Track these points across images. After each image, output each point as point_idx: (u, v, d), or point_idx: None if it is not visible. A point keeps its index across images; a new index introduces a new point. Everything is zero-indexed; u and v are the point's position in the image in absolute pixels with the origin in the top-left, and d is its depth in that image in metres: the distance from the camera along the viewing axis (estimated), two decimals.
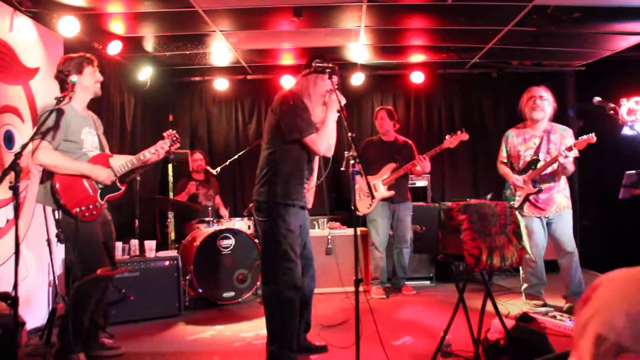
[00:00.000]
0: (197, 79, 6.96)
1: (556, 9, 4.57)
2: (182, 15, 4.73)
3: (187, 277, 4.90)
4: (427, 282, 5.78)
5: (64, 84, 3.35)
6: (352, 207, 2.86)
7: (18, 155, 2.68)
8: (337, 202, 6.88)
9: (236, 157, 6.16)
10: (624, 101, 5.66)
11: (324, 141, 3.20)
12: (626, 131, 5.81)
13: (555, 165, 4.23)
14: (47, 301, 4.32)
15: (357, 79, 6.69)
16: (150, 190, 6.42)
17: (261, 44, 5.82)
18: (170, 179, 6.79)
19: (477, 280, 5.16)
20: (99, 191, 3.41)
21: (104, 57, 5.11)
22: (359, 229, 5.47)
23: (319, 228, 5.62)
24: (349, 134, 2.80)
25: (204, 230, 5.24)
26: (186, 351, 3.65)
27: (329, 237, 5.47)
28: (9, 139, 3.98)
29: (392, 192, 5.23)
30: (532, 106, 4.36)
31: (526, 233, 4.33)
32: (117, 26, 5.02)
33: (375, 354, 3.28)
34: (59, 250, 4.37)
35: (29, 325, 3.85)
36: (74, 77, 3.21)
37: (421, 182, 6.29)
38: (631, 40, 5.46)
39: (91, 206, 3.34)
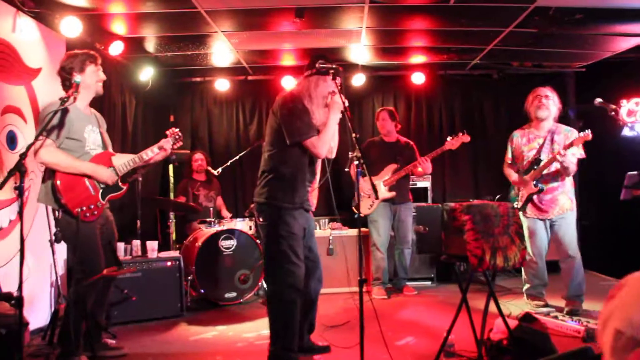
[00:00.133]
0: (198, 79, 6.97)
1: (558, 10, 4.59)
2: (184, 16, 4.74)
3: (189, 278, 4.90)
4: (429, 283, 5.79)
5: (65, 82, 3.34)
6: (356, 208, 2.87)
7: (23, 156, 2.68)
8: (338, 202, 6.87)
9: (237, 157, 6.17)
10: (624, 102, 5.68)
11: (326, 144, 3.19)
12: (626, 132, 5.83)
13: (558, 166, 4.23)
14: (50, 301, 4.32)
15: (358, 80, 6.70)
16: (151, 191, 6.42)
17: (262, 44, 5.83)
18: (171, 179, 6.82)
19: (478, 281, 5.19)
20: (101, 191, 3.39)
21: (105, 57, 5.09)
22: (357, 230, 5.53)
23: (320, 229, 5.63)
24: (353, 135, 2.80)
25: (206, 231, 5.24)
26: (189, 352, 3.66)
27: (330, 237, 5.47)
28: (11, 140, 3.98)
29: (393, 193, 5.24)
30: (537, 105, 4.37)
31: (528, 234, 4.34)
32: (119, 27, 5.03)
33: (379, 354, 3.29)
34: (61, 251, 4.37)
35: (31, 326, 3.85)
36: (77, 78, 3.20)
37: (422, 183, 6.30)
38: (631, 42, 5.48)
39: (92, 206, 3.31)
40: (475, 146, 6.52)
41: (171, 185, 6.88)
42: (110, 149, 3.62)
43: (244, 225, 5.56)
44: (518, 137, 4.55)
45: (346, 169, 5.50)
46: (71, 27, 4.40)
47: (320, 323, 3.83)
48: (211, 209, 5.82)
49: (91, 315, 3.33)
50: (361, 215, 5.50)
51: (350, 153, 2.91)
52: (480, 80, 7.03)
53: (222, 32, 5.18)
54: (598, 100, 4.03)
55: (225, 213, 6.18)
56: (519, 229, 2.96)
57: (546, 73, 6.72)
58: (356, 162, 2.80)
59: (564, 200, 4.31)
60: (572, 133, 4.28)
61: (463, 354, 3.22)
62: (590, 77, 6.57)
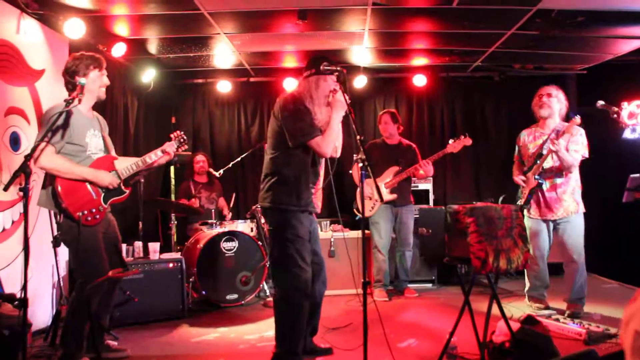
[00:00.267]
0: (200, 81, 6.98)
1: (560, 13, 4.60)
2: (187, 17, 4.75)
3: (191, 279, 4.90)
4: (429, 285, 5.79)
5: (68, 84, 3.34)
6: (361, 210, 2.87)
7: (28, 157, 2.68)
8: (340, 204, 6.87)
9: (239, 159, 6.18)
10: (625, 105, 5.68)
11: (330, 143, 3.18)
12: (627, 135, 5.84)
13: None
14: (51, 303, 4.32)
15: (360, 82, 6.72)
16: (153, 192, 6.43)
17: (265, 46, 5.84)
18: (172, 181, 6.83)
19: (480, 283, 5.20)
20: (103, 194, 3.37)
21: (108, 59, 5.09)
22: (361, 232, 5.52)
23: (321, 230, 5.63)
24: (358, 137, 2.80)
25: (207, 233, 5.25)
26: (191, 353, 3.66)
27: (332, 239, 5.47)
28: (14, 141, 3.99)
29: (394, 196, 5.24)
30: (539, 104, 4.40)
31: (530, 235, 4.34)
32: (122, 28, 5.04)
33: (382, 357, 3.29)
34: (64, 252, 4.37)
35: (33, 327, 3.85)
36: (83, 80, 3.21)
37: (424, 185, 6.31)
38: (633, 44, 5.49)
39: (94, 210, 3.29)
40: (476, 148, 6.53)
41: (172, 187, 6.89)
42: (113, 153, 3.61)
43: (245, 227, 5.57)
44: (525, 135, 4.56)
45: (350, 171, 5.50)
46: (74, 28, 4.42)
47: (322, 325, 3.83)
48: (213, 210, 5.82)
49: (95, 317, 3.32)
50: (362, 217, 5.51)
51: (354, 155, 2.90)
52: (481, 82, 7.05)
53: (225, 33, 5.19)
54: (600, 102, 4.04)
55: (226, 213, 6.17)
56: (522, 231, 2.96)
57: (548, 75, 6.72)
58: (360, 165, 2.80)
59: (569, 201, 4.28)
60: (577, 131, 4.25)
61: (465, 356, 3.23)
62: (591, 80, 6.58)
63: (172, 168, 6.83)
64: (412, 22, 5.09)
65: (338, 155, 3.40)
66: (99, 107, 3.77)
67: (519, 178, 4.49)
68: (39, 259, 4.12)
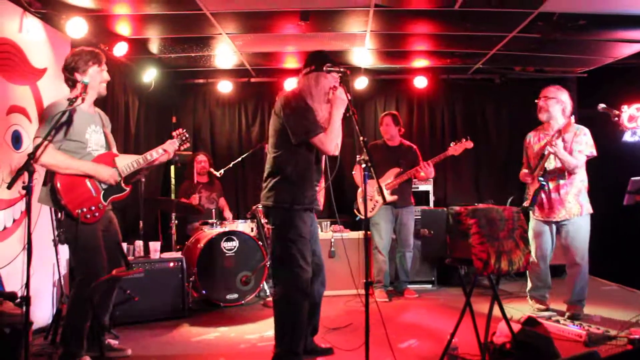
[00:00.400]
0: (201, 81, 6.99)
1: (562, 16, 4.62)
2: (189, 17, 4.76)
3: (191, 279, 4.90)
4: (429, 286, 5.80)
5: (67, 81, 3.33)
6: (363, 211, 2.87)
7: (32, 156, 2.68)
8: (340, 205, 6.88)
9: (239, 159, 6.18)
10: (625, 108, 5.69)
11: (333, 140, 3.16)
12: (627, 138, 5.85)
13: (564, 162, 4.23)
14: (52, 301, 4.32)
15: (361, 83, 6.73)
16: (153, 192, 6.43)
17: (266, 47, 5.85)
18: (173, 180, 6.83)
19: (480, 285, 5.20)
20: (102, 192, 3.34)
21: (109, 58, 5.10)
22: (362, 233, 5.54)
23: (322, 231, 5.63)
24: (361, 138, 2.80)
25: (208, 232, 5.25)
26: (192, 353, 3.67)
27: (332, 240, 5.48)
28: (16, 139, 3.99)
29: (395, 197, 5.24)
30: (538, 108, 4.41)
31: (532, 236, 4.35)
32: (123, 28, 5.05)
33: (382, 357, 3.29)
34: (64, 250, 4.36)
35: (34, 326, 3.84)
36: (86, 78, 3.21)
37: (424, 187, 6.33)
38: (634, 48, 5.51)
39: (93, 207, 3.27)
40: (477, 150, 6.52)
41: (172, 186, 6.89)
42: (114, 149, 3.59)
43: (245, 226, 5.57)
44: (531, 137, 4.57)
45: (353, 172, 5.49)
46: (77, 27, 4.42)
47: (323, 325, 3.84)
48: (213, 210, 5.82)
49: (98, 315, 3.32)
50: (363, 217, 5.51)
51: (358, 156, 2.90)
52: (482, 84, 7.07)
53: (227, 34, 5.20)
54: (601, 105, 4.04)
55: (227, 214, 6.18)
56: (524, 233, 2.97)
57: (548, 78, 6.74)
58: (364, 165, 2.80)
59: (572, 203, 4.26)
60: (582, 130, 4.24)
61: (466, 357, 3.23)
62: (591, 83, 6.60)
63: (172, 167, 6.83)
64: (414, 24, 5.11)
65: (338, 152, 3.38)
66: (100, 105, 3.76)
67: (523, 172, 4.50)
68: (40, 257, 4.10)
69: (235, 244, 5.13)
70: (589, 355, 1.93)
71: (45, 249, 3.98)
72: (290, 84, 6.49)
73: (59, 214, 3.21)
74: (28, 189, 2.60)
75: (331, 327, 4.12)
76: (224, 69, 6.61)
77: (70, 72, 3.30)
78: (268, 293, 5.32)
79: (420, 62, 6.49)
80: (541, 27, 4.91)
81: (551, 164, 4.31)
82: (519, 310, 4.41)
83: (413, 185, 5.73)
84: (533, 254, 4.38)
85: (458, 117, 7.17)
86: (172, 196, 6.73)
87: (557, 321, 3.90)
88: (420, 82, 6.79)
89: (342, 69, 3.11)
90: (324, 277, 3.47)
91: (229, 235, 5.13)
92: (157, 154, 3.55)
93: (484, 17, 4.77)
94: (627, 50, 5.62)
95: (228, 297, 5.02)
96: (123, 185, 3.47)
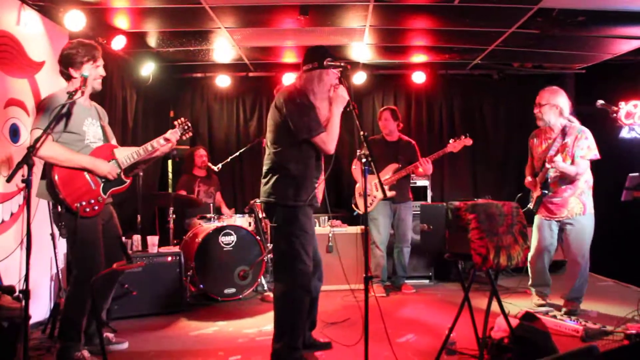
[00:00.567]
0: (199, 75, 6.97)
1: (561, 12, 4.62)
2: (188, 11, 4.74)
3: (189, 273, 4.90)
4: (426, 281, 5.82)
5: (62, 74, 3.30)
6: (362, 206, 2.87)
7: (31, 149, 2.66)
8: (338, 200, 6.90)
9: (237, 154, 6.17)
10: (622, 105, 5.70)
11: (334, 140, 3.16)
12: (624, 134, 5.87)
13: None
14: (50, 295, 4.32)
15: (359, 78, 6.72)
16: (151, 187, 6.41)
17: (265, 41, 5.83)
18: (170, 174, 6.82)
19: (477, 280, 5.21)
20: (102, 185, 3.30)
21: (107, 51, 5.09)
22: (359, 228, 5.55)
23: (320, 226, 5.63)
24: (361, 133, 2.80)
25: (206, 227, 5.24)
26: (190, 347, 3.67)
27: (330, 235, 5.48)
28: (14, 132, 3.97)
29: (393, 193, 5.24)
30: (535, 115, 4.41)
31: (535, 230, 4.39)
32: (122, 21, 5.02)
33: (380, 351, 3.31)
34: (62, 245, 4.36)
35: (31, 320, 3.83)
36: (86, 72, 3.19)
37: (422, 182, 6.33)
38: (632, 44, 5.52)
39: (92, 201, 3.24)
40: (474, 146, 6.51)
41: (170, 181, 6.88)
42: (113, 142, 3.56)
43: (243, 221, 5.57)
44: (534, 137, 4.56)
45: (353, 167, 5.48)
46: (75, 20, 4.40)
47: (321, 320, 3.85)
48: (211, 204, 5.82)
49: (97, 309, 3.31)
50: (360, 212, 5.52)
51: (358, 151, 2.90)
52: (480, 80, 7.07)
53: (225, 28, 5.18)
54: (600, 102, 4.04)
55: (225, 210, 6.18)
56: (523, 228, 2.98)
57: (546, 74, 6.76)
58: (364, 160, 2.79)
59: (574, 203, 4.25)
60: (582, 134, 4.23)
61: (464, 351, 3.25)
62: (589, 79, 6.61)
63: (169, 162, 6.81)
64: (413, 19, 5.09)
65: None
66: (98, 99, 3.75)
67: (527, 180, 4.51)
68: (37, 251, 4.06)
69: (233, 238, 5.12)
70: (588, 350, 1.95)
71: (43, 243, 3.98)
72: (288, 79, 6.48)
73: (59, 208, 3.17)
74: (27, 182, 2.59)
75: (329, 321, 4.13)
76: (222, 63, 6.58)
77: (64, 66, 3.27)
78: (265, 288, 5.32)
79: (419, 58, 6.49)
80: (540, 22, 4.91)
81: (551, 170, 4.30)
82: (517, 305, 4.43)
83: (411, 181, 5.73)
84: (533, 248, 4.40)
85: (456, 112, 7.18)
86: (170, 191, 6.72)
87: (554, 316, 3.93)
88: (419, 78, 6.80)
89: (342, 64, 3.09)
90: (322, 271, 3.48)
91: (226, 229, 5.13)
92: (158, 145, 3.50)
93: (483, 13, 4.76)
94: (626, 46, 5.62)
95: (226, 291, 5.02)
96: (123, 177, 3.43)
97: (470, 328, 3.06)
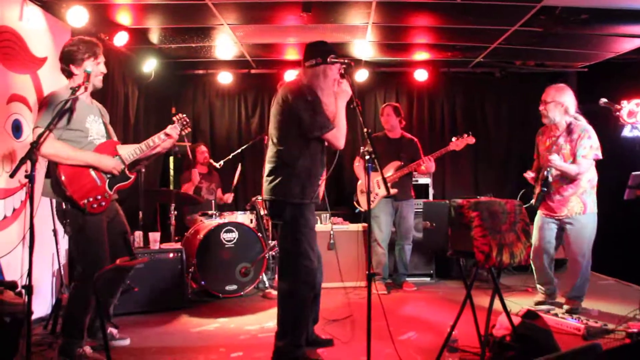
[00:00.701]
0: (201, 72, 6.97)
1: (564, 10, 4.61)
2: (191, 7, 4.74)
3: (190, 270, 4.91)
4: (427, 279, 5.82)
5: (63, 72, 3.29)
6: (366, 203, 2.86)
7: (35, 144, 2.66)
8: (339, 197, 6.90)
9: (239, 151, 6.17)
10: (624, 103, 5.70)
11: (343, 135, 3.15)
12: (626, 133, 5.86)
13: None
14: (51, 291, 4.32)
15: (361, 76, 6.72)
16: (152, 183, 6.42)
17: (267, 38, 5.83)
18: (171, 171, 6.81)
19: (478, 278, 5.22)
20: (107, 181, 3.30)
21: (109, 48, 5.09)
22: (361, 225, 5.55)
23: (321, 223, 5.63)
24: (365, 130, 2.79)
25: (207, 223, 5.25)
26: (192, 343, 3.67)
27: (331, 232, 5.48)
28: (16, 128, 3.97)
29: (395, 190, 5.24)
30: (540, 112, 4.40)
31: (536, 228, 4.40)
32: (124, 17, 5.01)
33: (382, 349, 3.31)
34: (64, 241, 4.36)
35: (33, 315, 3.83)
36: (89, 68, 3.18)
37: (423, 180, 6.33)
38: (635, 43, 5.51)
39: (99, 197, 3.22)
40: (476, 144, 6.50)
41: (171, 178, 6.87)
42: (115, 139, 3.57)
43: (245, 218, 5.57)
44: (540, 134, 4.55)
45: (356, 164, 5.47)
46: (77, 16, 4.39)
47: (323, 317, 3.85)
48: (212, 201, 5.82)
49: (103, 305, 3.31)
50: (362, 210, 5.52)
51: (361, 148, 2.89)
52: (482, 78, 7.06)
53: (228, 24, 5.17)
54: (603, 100, 4.04)
55: (227, 196, 6.17)
56: (525, 226, 2.97)
57: (548, 72, 6.75)
58: (367, 157, 2.78)
59: (574, 202, 4.25)
60: (586, 133, 4.21)
61: (466, 349, 3.25)
62: (592, 78, 6.60)
63: (171, 159, 6.81)
64: (416, 17, 5.09)
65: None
66: (100, 95, 3.74)
67: (527, 174, 4.51)
68: (39, 247, 4.04)
69: (234, 235, 5.13)
70: (591, 348, 1.95)
71: (45, 239, 3.97)
72: (290, 76, 6.47)
73: (63, 205, 3.16)
74: (30, 178, 2.58)
75: (331, 319, 4.13)
76: (224, 60, 6.58)
77: (65, 63, 3.26)
78: (267, 285, 5.33)
79: (421, 55, 6.48)
80: (543, 20, 4.90)
81: (553, 169, 4.29)
82: (518, 303, 4.44)
83: (412, 179, 5.73)
84: (534, 245, 4.40)
85: (458, 110, 7.18)
86: (171, 187, 6.72)
87: (556, 315, 3.93)
88: (421, 75, 6.79)
89: (346, 61, 3.09)
90: (322, 267, 3.48)
91: (228, 226, 5.13)
92: (159, 140, 3.48)
93: (486, 10, 4.75)
94: (628, 45, 5.61)
95: (227, 288, 5.03)
96: (127, 173, 3.42)
97: (471, 326, 3.06)
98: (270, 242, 5.31)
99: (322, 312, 3.63)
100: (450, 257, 3.15)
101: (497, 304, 2.93)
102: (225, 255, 5.06)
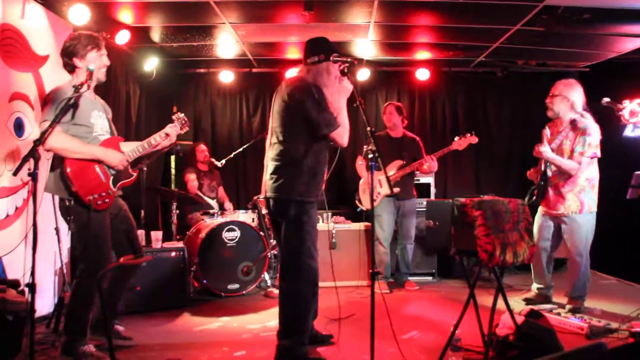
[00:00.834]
0: (203, 70, 6.97)
1: (566, 9, 4.60)
2: (193, 6, 4.74)
3: (192, 269, 4.90)
4: (430, 278, 5.82)
5: (66, 67, 3.28)
6: (365, 202, 2.86)
7: (38, 142, 2.66)
8: (341, 196, 6.90)
9: (241, 149, 6.17)
10: (626, 103, 5.70)
11: (347, 132, 3.16)
12: (628, 132, 5.86)
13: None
14: (53, 289, 4.32)
15: (363, 75, 6.71)
16: (153, 182, 6.41)
17: (268, 37, 5.82)
18: (173, 170, 6.82)
19: (480, 277, 5.20)
20: (112, 178, 3.29)
21: (111, 46, 5.08)
22: (363, 224, 5.54)
23: (323, 222, 5.63)
24: (368, 128, 2.78)
25: (209, 222, 5.24)
26: (195, 342, 3.66)
27: (333, 231, 5.48)
28: (18, 126, 3.96)
29: (397, 189, 5.24)
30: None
31: (535, 226, 4.39)
32: (126, 15, 5.00)
33: (385, 348, 3.31)
34: (66, 239, 4.36)
35: (36, 314, 3.83)
36: (92, 66, 3.17)
37: (425, 179, 6.33)
38: (637, 42, 5.50)
39: (104, 194, 3.22)
40: (477, 143, 6.51)
41: (172, 177, 6.87)
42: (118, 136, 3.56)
43: (247, 217, 5.56)
44: (547, 130, 4.54)
45: (359, 163, 5.45)
46: (79, 14, 4.39)
47: (325, 316, 3.85)
48: (214, 199, 5.82)
49: (109, 303, 3.30)
50: (364, 209, 5.52)
51: (365, 147, 2.89)
52: (484, 77, 7.06)
53: (230, 23, 5.17)
54: (605, 99, 4.03)
55: (228, 205, 6.18)
56: (529, 225, 2.97)
57: (550, 72, 6.75)
58: (370, 155, 2.78)
59: (571, 200, 4.25)
60: (586, 129, 4.19)
61: (469, 348, 3.24)
62: (593, 77, 6.59)
63: (172, 157, 6.81)
64: (418, 16, 5.08)
65: None
66: (102, 94, 3.73)
67: (529, 172, 4.53)
68: (42, 245, 4.04)
69: (236, 234, 5.12)
70: (596, 347, 1.94)
71: (47, 237, 3.97)
72: (292, 74, 6.46)
73: (66, 202, 3.16)
74: (34, 176, 2.58)
75: (333, 317, 4.12)
76: (225, 59, 6.58)
77: (68, 57, 3.24)
78: (269, 284, 5.32)
79: (423, 54, 6.48)
80: (545, 20, 4.90)
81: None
82: (519, 303, 4.44)
83: (414, 178, 5.73)
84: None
85: (459, 110, 7.17)
86: (172, 186, 6.73)
87: (559, 314, 3.93)
88: (422, 75, 6.79)
89: (349, 59, 3.08)
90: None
91: (230, 225, 5.12)
92: (160, 139, 3.50)
93: (488, 10, 4.74)
94: (630, 45, 5.61)
95: (229, 287, 5.02)
96: (130, 170, 3.43)
97: (474, 325, 3.05)
98: (272, 241, 5.30)
99: (324, 311, 3.63)
100: (452, 256, 3.13)
101: (500, 303, 2.93)
102: (227, 254, 5.06)
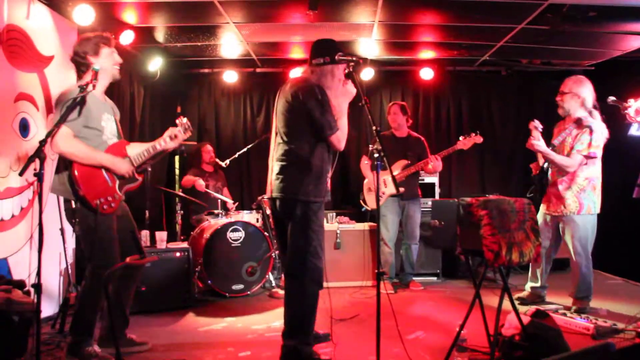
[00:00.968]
0: (207, 70, 6.97)
1: (572, 7, 4.58)
2: (197, 6, 4.74)
3: (197, 269, 4.90)
4: (434, 278, 5.80)
5: (80, 67, 3.26)
6: (370, 202, 2.85)
7: (43, 142, 2.65)
8: (345, 196, 6.89)
9: (245, 149, 6.17)
10: (631, 101, 5.67)
11: (345, 137, 3.15)
12: (633, 131, 5.83)
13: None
14: (58, 290, 4.33)
15: (367, 74, 6.70)
16: (158, 182, 6.42)
17: (272, 36, 5.82)
18: (177, 170, 6.83)
19: (485, 277, 5.20)
20: (118, 182, 3.29)
21: (115, 46, 5.07)
22: (367, 224, 5.53)
23: (327, 222, 5.62)
24: (374, 128, 2.77)
25: (213, 223, 5.24)
26: (200, 342, 3.66)
27: (338, 231, 5.47)
28: (24, 127, 3.97)
29: (401, 189, 5.22)
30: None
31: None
32: (130, 16, 5.01)
33: (390, 348, 3.30)
34: (71, 240, 4.36)
35: (41, 314, 3.84)
36: (96, 65, 3.17)
37: (430, 179, 6.32)
38: None
39: (110, 198, 3.21)
40: (482, 143, 6.53)
41: (177, 177, 6.89)
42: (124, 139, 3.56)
43: (251, 217, 5.56)
44: (557, 126, 4.52)
45: (365, 162, 5.44)
46: (84, 15, 4.40)
47: (329, 316, 3.84)
48: (219, 200, 5.82)
49: (118, 309, 3.30)
50: (368, 209, 5.51)
51: (370, 146, 2.87)
52: (488, 77, 7.05)
53: (234, 23, 5.17)
54: (611, 98, 4.01)
55: (230, 205, 6.18)
56: (534, 225, 2.96)
57: (555, 71, 6.72)
58: (376, 155, 2.76)
59: (569, 200, 4.22)
60: (588, 128, 4.16)
61: (475, 349, 3.23)
62: (598, 76, 6.55)
63: (176, 158, 6.82)
64: (422, 15, 5.07)
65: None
66: (107, 94, 3.73)
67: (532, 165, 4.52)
68: (47, 246, 4.00)
69: (241, 234, 5.12)
70: (605, 347, 1.93)
71: (52, 238, 3.97)
72: (295, 75, 6.46)
73: (72, 204, 3.14)
74: (40, 176, 2.57)
75: (338, 318, 4.11)
76: (229, 59, 6.59)
77: (82, 57, 3.23)
78: (273, 284, 5.32)
79: (427, 54, 6.46)
80: (550, 18, 4.88)
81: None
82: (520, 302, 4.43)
83: (419, 178, 5.72)
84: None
85: (464, 109, 7.16)
86: (177, 186, 6.74)
87: (564, 314, 3.91)
88: (427, 74, 6.78)
89: (354, 58, 3.07)
90: None
91: (234, 225, 5.12)
92: (165, 143, 3.46)
93: (492, 8, 4.73)
94: (636, 43, 5.58)
95: (234, 287, 5.02)
96: (136, 175, 3.42)
97: (480, 325, 3.04)
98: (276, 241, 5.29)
99: (329, 312, 3.61)
100: (456, 256, 3.12)
101: (505, 304, 2.91)
102: (231, 255, 5.05)
